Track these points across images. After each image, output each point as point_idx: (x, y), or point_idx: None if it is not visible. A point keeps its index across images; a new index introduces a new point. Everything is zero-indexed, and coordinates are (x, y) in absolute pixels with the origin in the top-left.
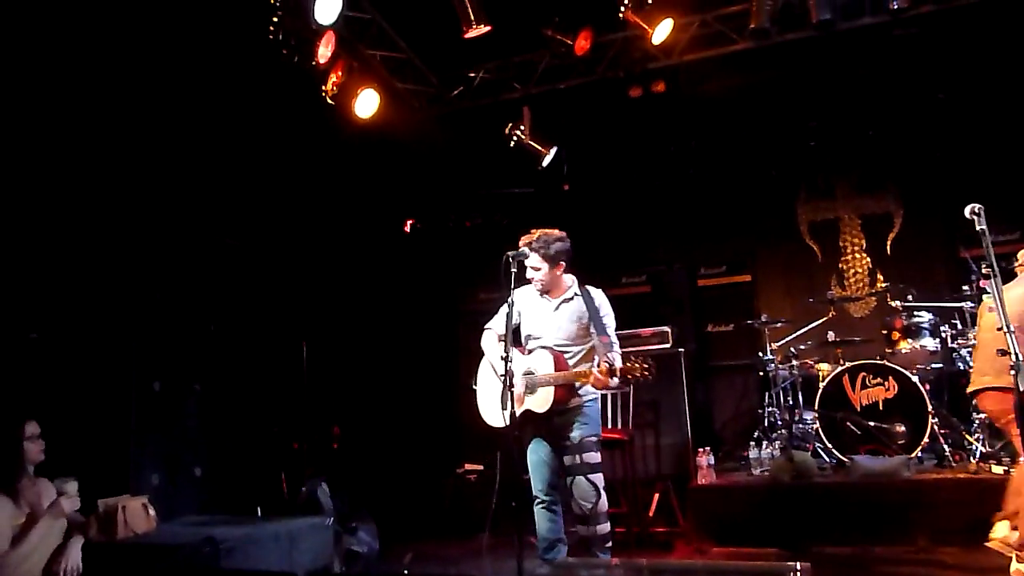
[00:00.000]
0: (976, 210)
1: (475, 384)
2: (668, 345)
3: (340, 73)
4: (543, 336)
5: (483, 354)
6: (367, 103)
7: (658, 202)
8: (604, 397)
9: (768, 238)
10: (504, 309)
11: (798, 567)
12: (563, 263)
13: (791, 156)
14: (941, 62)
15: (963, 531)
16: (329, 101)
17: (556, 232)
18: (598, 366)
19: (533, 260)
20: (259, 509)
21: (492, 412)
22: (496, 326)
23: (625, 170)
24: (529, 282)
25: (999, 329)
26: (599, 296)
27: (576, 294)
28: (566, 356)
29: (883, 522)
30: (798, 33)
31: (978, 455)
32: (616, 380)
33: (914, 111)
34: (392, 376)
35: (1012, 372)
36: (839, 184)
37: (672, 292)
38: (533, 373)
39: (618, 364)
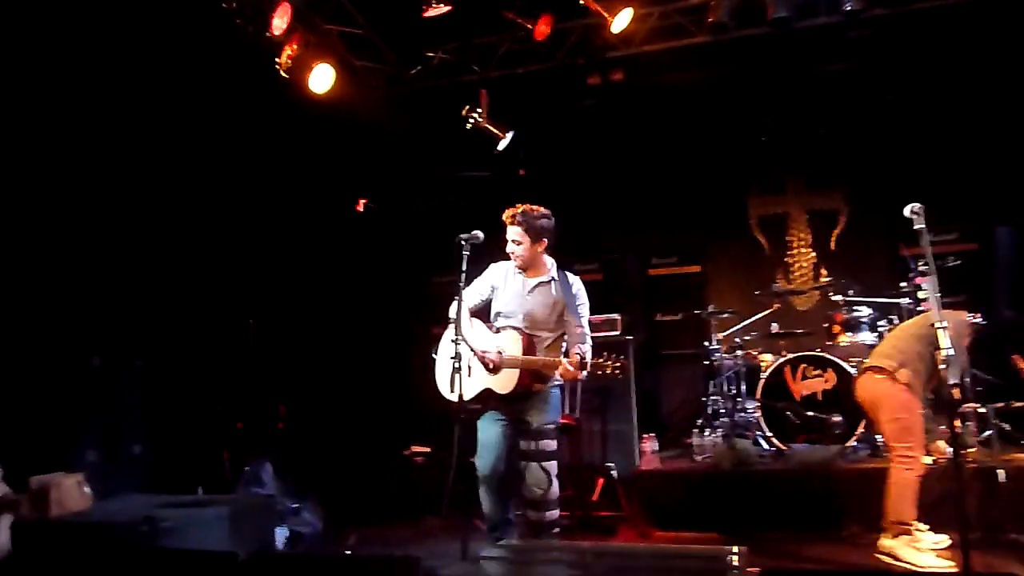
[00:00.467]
0: (916, 210)
1: (435, 353)
2: (617, 333)
3: (295, 46)
4: (514, 316)
5: (447, 325)
6: (322, 78)
7: (613, 191)
8: None
9: (719, 230)
10: (477, 281)
11: (736, 550)
12: (546, 241)
13: (744, 151)
14: (891, 65)
15: None
16: (283, 74)
17: (542, 209)
18: (568, 357)
19: (514, 233)
20: (201, 489)
21: (449, 384)
22: (468, 296)
23: (581, 158)
24: (508, 257)
25: (931, 325)
26: (577, 283)
27: (554, 278)
28: (536, 340)
29: (818, 509)
30: (755, 29)
31: None
32: (585, 373)
33: (864, 112)
34: (342, 356)
35: (943, 366)
36: (789, 180)
37: (624, 281)
38: (500, 353)
39: (589, 357)
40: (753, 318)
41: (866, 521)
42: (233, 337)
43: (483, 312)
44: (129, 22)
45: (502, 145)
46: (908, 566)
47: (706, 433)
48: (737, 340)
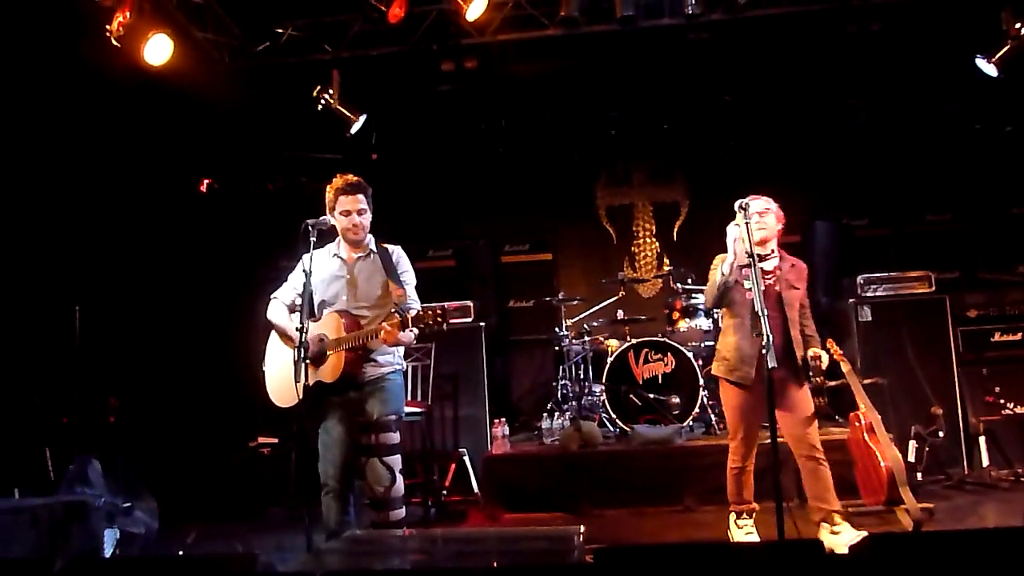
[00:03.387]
0: (742, 204)
1: (264, 365)
2: (470, 319)
3: (128, 13)
4: (338, 300)
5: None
6: (159, 49)
7: (466, 178)
8: (404, 370)
9: (569, 219)
10: (293, 276)
11: (581, 530)
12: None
13: (593, 142)
14: (728, 67)
15: (723, 490)
16: (115, 43)
17: None
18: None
19: (361, 201)
20: (17, 490)
21: (281, 392)
22: (284, 295)
23: (435, 144)
24: (321, 246)
25: (756, 313)
26: (398, 251)
27: (373, 251)
28: (363, 321)
29: (657, 485)
30: (604, 26)
31: None
32: (410, 334)
33: (703, 109)
34: (180, 344)
35: (763, 351)
36: (635, 172)
37: (477, 267)
38: (323, 339)
39: (411, 314)
40: (600, 305)
41: (700, 494)
42: (56, 324)
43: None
44: None
45: (354, 128)
46: (729, 536)
47: (555, 416)
48: (585, 326)
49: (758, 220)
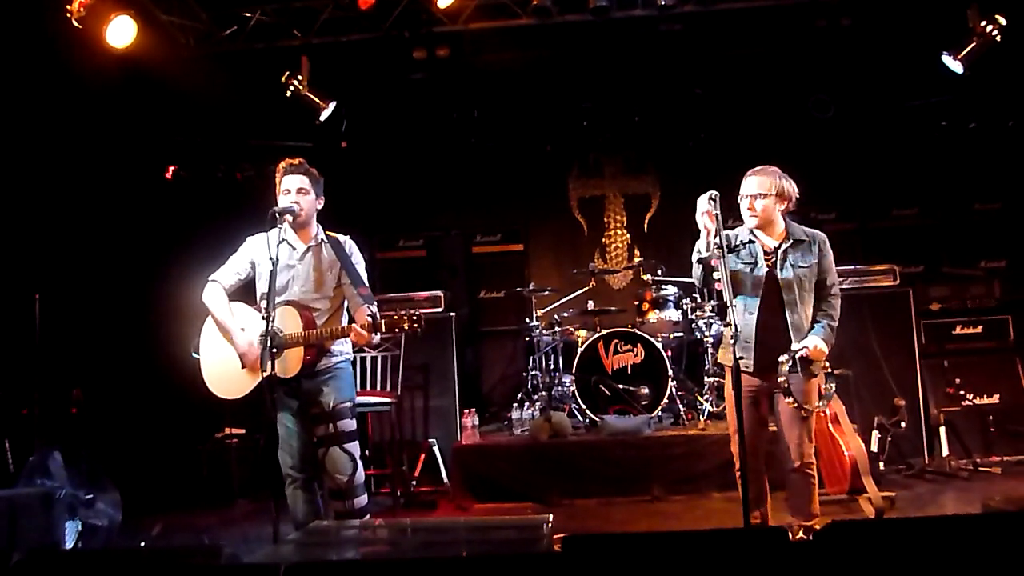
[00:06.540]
0: (713, 197)
1: (195, 352)
2: (440, 309)
3: None
4: (288, 290)
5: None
6: (122, 32)
7: (438, 167)
8: (374, 360)
9: (541, 210)
10: (235, 259)
11: (550, 519)
12: (323, 200)
13: (565, 133)
14: (700, 59)
15: (691, 480)
16: (75, 24)
17: None
18: (353, 322)
19: (299, 182)
20: None
21: (224, 382)
22: (223, 279)
23: (406, 133)
24: (266, 230)
25: (725, 304)
26: (349, 242)
27: (323, 240)
28: (314, 313)
29: (625, 475)
30: (577, 16)
31: (706, 414)
32: (378, 336)
33: (674, 101)
34: (146, 334)
35: (731, 342)
36: (607, 164)
37: (448, 257)
38: (278, 332)
39: (378, 316)
40: (571, 296)
41: (668, 484)
42: (16, 313)
43: (241, 294)
44: None
45: (324, 115)
46: None
47: (525, 407)
48: (556, 317)
49: (749, 205)
